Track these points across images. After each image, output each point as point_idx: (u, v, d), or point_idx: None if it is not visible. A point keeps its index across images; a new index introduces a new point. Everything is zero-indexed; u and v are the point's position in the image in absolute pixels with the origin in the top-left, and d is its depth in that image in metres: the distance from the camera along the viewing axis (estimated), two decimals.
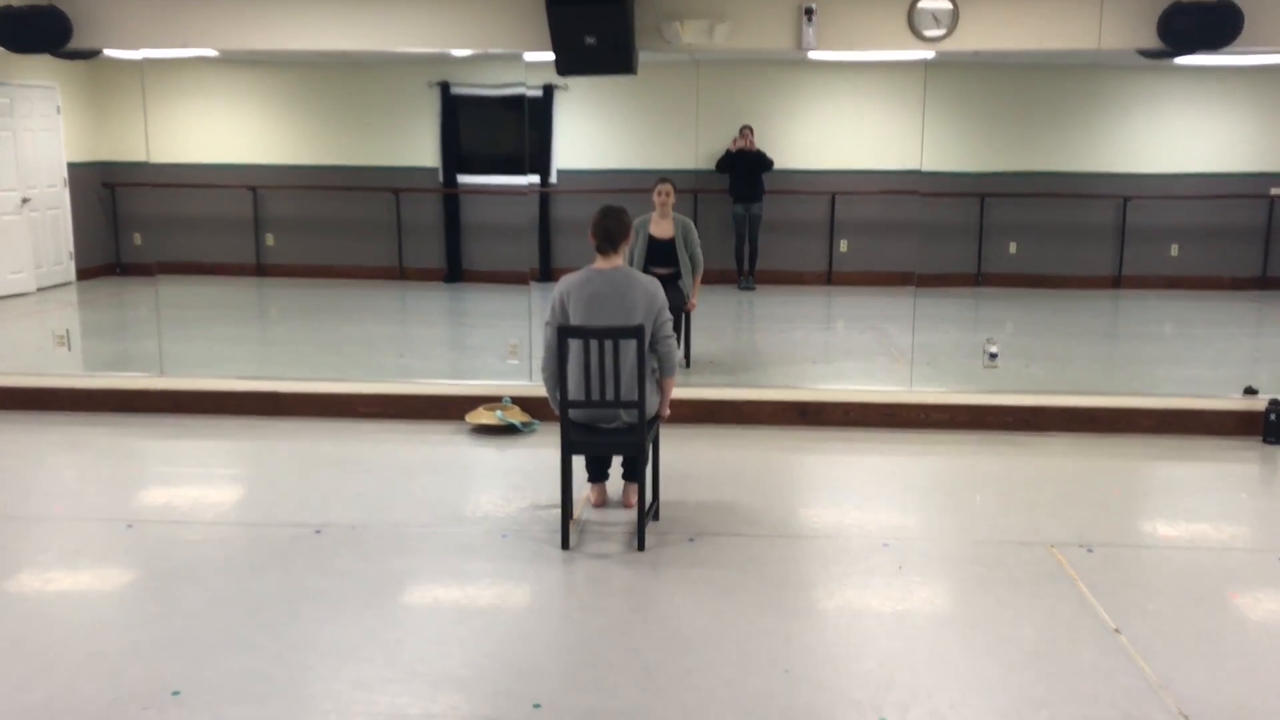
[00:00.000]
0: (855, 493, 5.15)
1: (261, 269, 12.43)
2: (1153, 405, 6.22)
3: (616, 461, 5.00)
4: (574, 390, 4.37)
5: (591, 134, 12.15)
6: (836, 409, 6.32)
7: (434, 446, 5.87)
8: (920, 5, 6.05)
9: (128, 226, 12.49)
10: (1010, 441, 6.02)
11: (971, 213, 11.69)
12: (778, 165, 10.85)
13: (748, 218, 10.85)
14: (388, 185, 12.16)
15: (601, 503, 4.88)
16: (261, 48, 6.28)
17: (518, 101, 12.13)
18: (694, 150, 11.51)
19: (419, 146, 12.28)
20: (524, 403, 6.26)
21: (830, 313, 11.01)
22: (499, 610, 3.84)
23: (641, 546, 4.36)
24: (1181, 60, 9.80)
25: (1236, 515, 4.92)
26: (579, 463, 4.87)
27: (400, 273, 12.27)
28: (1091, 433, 6.17)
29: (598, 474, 4.88)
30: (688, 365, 7.67)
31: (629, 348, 4.27)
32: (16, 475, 5.36)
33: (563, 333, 4.28)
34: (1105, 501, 5.04)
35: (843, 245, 11.74)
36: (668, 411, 4.67)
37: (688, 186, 11.40)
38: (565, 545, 4.37)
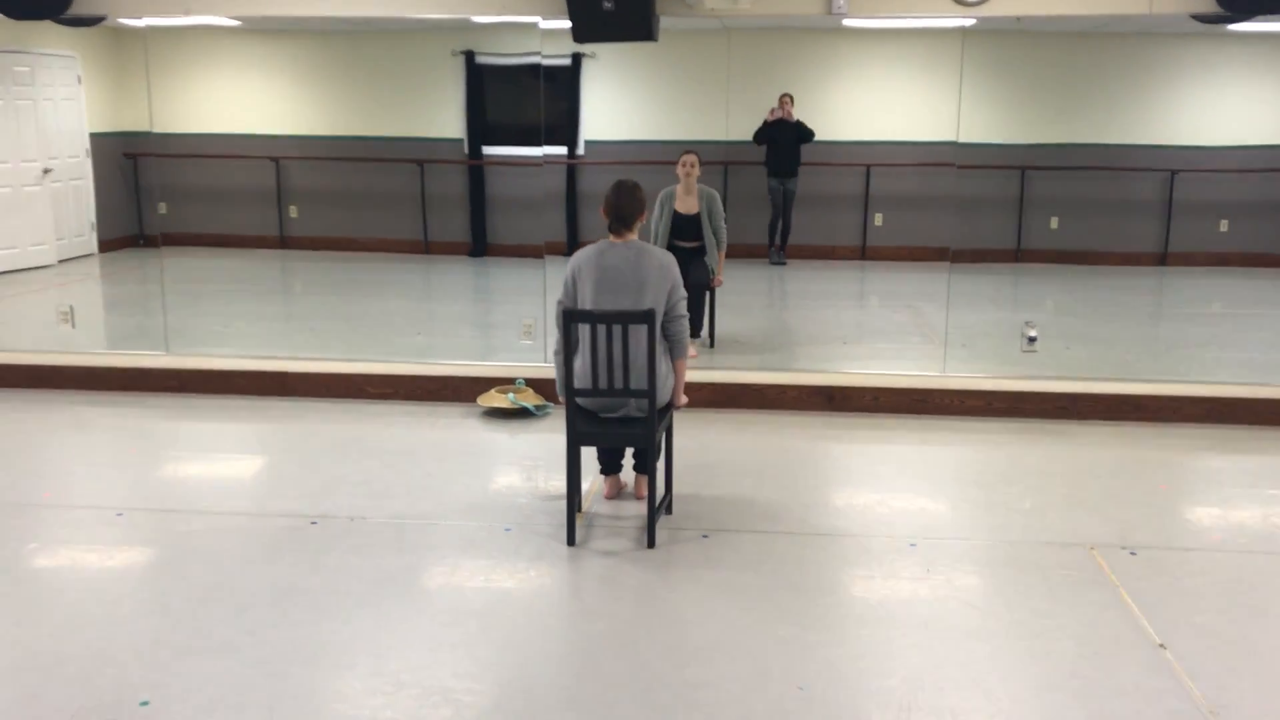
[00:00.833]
0: (882, 485, 4.86)
1: (284, 241, 12.26)
2: (1201, 393, 5.88)
3: (630, 451, 4.75)
4: (581, 378, 4.11)
5: (620, 104, 11.85)
6: (865, 394, 6.02)
7: (443, 430, 5.64)
8: None
9: (150, 198, 12.36)
10: (1049, 430, 5.70)
11: (1011, 186, 11.30)
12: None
13: (783, 192, 10.35)
14: (412, 157, 11.92)
15: (614, 495, 4.63)
16: (264, 14, 6.04)
17: (548, 72, 11.86)
18: (725, 121, 11.18)
19: (444, 117, 12.03)
20: (538, 385, 6.02)
21: (863, 289, 10.67)
22: (495, 614, 3.60)
23: (652, 544, 4.11)
24: (1234, 26, 9.38)
25: None
26: (589, 453, 4.63)
27: (425, 246, 12.06)
28: (1135, 421, 5.83)
29: (610, 465, 4.63)
30: (711, 345, 7.41)
31: (639, 334, 4.01)
32: (9, 458, 5.19)
33: (569, 317, 4.02)
34: (1150, 498, 4.73)
35: (878, 219, 11.40)
36: (684, 399, 4.40)
37: (718, 158, 11.08)
38: (571, 541, 4.13)
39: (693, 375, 6.10)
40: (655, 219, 7.16)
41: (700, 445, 5.33)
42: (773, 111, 10.00)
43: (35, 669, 3.23)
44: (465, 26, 11.40)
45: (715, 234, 7.16)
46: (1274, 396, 5.81)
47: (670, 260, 4.22)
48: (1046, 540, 4.22)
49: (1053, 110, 11.22)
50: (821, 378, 6.14)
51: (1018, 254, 11.36)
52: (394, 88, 12.00)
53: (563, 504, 4.41)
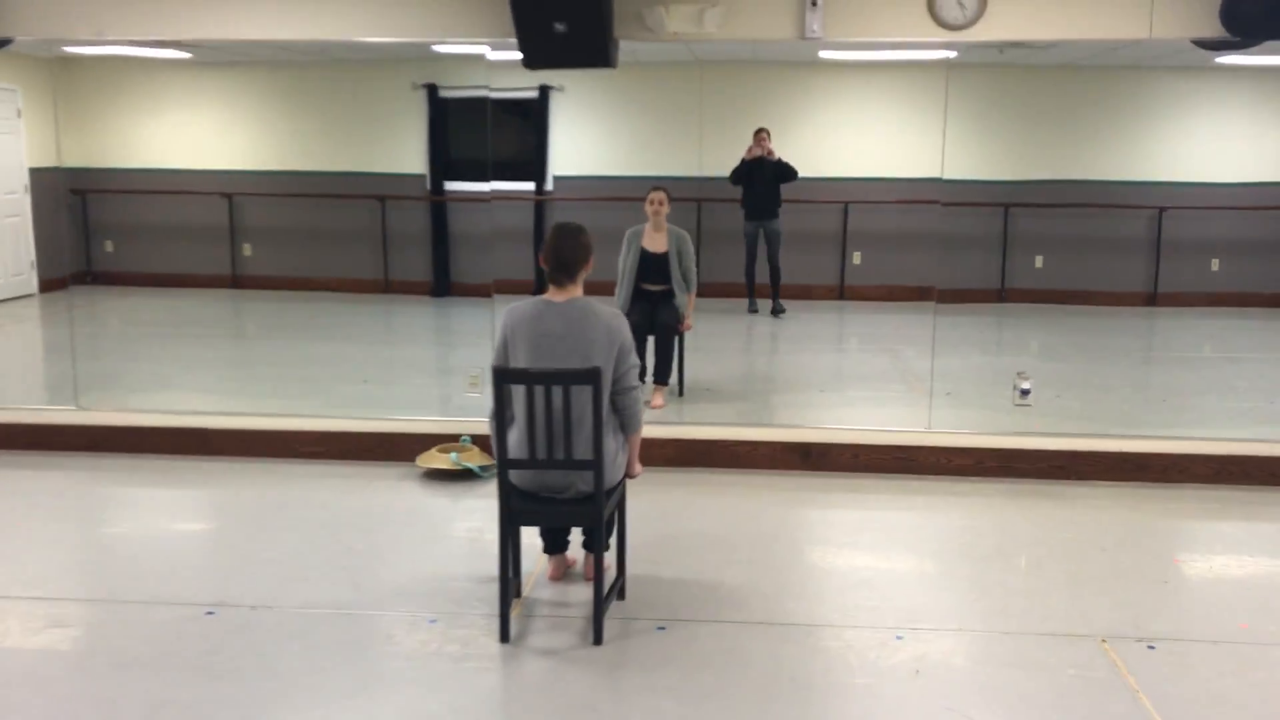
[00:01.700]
0: (863, 561, 4.32)
1: (237, 281, 11.70)
2: (1210, 450, 5.37)
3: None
4: (515, 448, 3.57)
5: (590, 139, 11.39)
6: (844, 451, 5.50)
7: (375, 495, 5.07)
8: None
9: (98, 234, 11.80)
10: (1045, 493, 5.18)
11: (995, 224, 10.87)
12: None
13: (764, 236, 9.43)
14: (372, 193, 11.41)
15: (559, 576, 4.07)
16: (180, 37, 5.51)
17: (512, 105, 11.42)
18: (698, 156, 10.74)
19: (405, 152, 11.53)
20: (485, 443, 5.46)
21: (842, 331, 10.19)
22: None
23: (599, 639, 3.55)
24: (1225, 59, 9.01)
25: None
26: (531, 529, 4.07)
27: (385, 285, 11.53)
28: (1139, 482, 5.33)
29: (554, 544, 4.06)
30: (680, 394, 6.88)
31: (583, 396, 3.47)
32: None
33: (500, 376, 3.47)
34: (1164, 575, 4.20)
35: (856, 258, 10.95)
36: (639, 469, 3.86)
37: (690, 195, 10.63)
38: (504, 638, 3.56)
39: (657, 431, 5.58)
40: (622, 257, 6.67)
41: (661, 512, 4.78)
42: (750, 150, 9.14)
43: None
44: (427, 57, 10.97)
45: (685, 276, 6.65)
46: None
47: (620, 323, 3.64)
48: (1051, 630, 3.68)
49: (1038, 146, 10.84)
50: (797, 433, 5.61)
51: (1002, 294, 10.92)
52: (353, 121, 11.52)
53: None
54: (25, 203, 10.95)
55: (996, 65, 10.36)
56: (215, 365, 7.95)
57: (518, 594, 3.90)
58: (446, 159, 11.49)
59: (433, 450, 5.43)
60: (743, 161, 9.14)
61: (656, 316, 6.64)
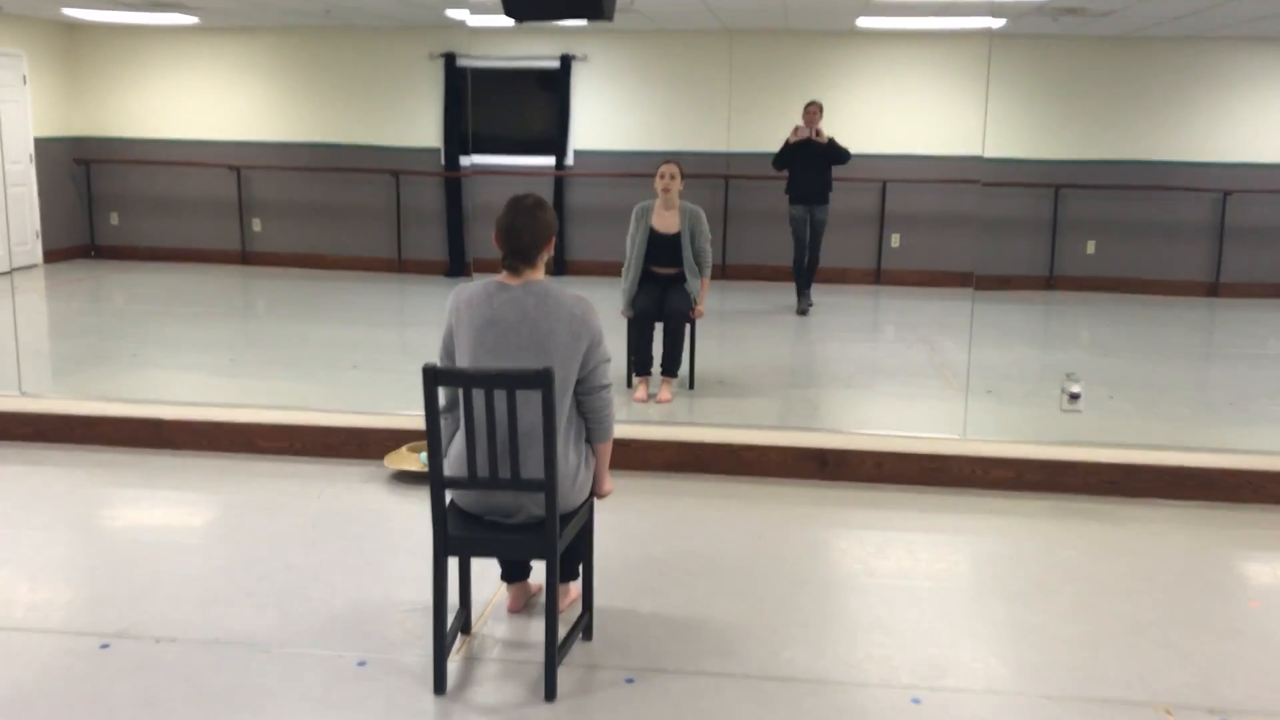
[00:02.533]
0: (878, 596, 3.69)
1: (246, 257, 11.26)
2: None
3: None
4: (454, 464, 2.98)
5: (613, 111, 10.78)
6: (865, 459, 4.86)
7: (332, 500, 4.51)
8: None
9: (103, 206, 11.38)
10: (1095, 513, 4.52)
11: (1043, 206, 10.15)
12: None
13: (810, 222, 8.36)
14: (386, 167, 10.88)
15: (519, 608, 3.48)
16: None
17: (532, 76, 10.84)
18: (726, 130, 10.11)
19: (421, 125, 10.98)
20: None
21: (875, 319, 9.51)
22: None
23: (551, 694, 2.95)
24: None
25: None
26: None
27: (399, 265, 11.01)
28: (1204, 501, 4.64)
29: (513, 571, 3.47)
30: (691, 386, 6.27)
31: (530, 404, 2.87)
32: None
33: (431, 377, 2.87)
34: (1239, 622, 3.54)
35: (894, 240, 10.28)
36: (609, 487, 3.26)
37: (718, 171, 10.02)
38: (439, 689, 2.97)
39: (653, 432, 4.99)
40: (630, 236, 6.07)
41: (649, 528, 4.19)
42: (797, 129, 8.07)
43: None
44: (444, 26, 10.41)
45: (698, 258, 6.04)
46: None
47: (587, 309, 3.04)
48: (1103, 695, 3.04)
49: (1091, 123, 10.08)
50: (813, 438, 4.97)
51: (1050, 280, 10.21)
52: (367, 92, 10.98)
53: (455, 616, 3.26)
54: (30, 172, 10.54)
55: (1047, 37, 9.63)
56: (198, 346, 7.45)
57: (466, 629, 3.32)
58: (463, 132, 10.94)
59: (403, 449, 4.86)
60: (787, 144, 8.13)
61: (666, 302, 6.03)
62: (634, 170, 9.41)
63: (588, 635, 3.29)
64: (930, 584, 3.79)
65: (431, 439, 2.86)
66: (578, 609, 3.37)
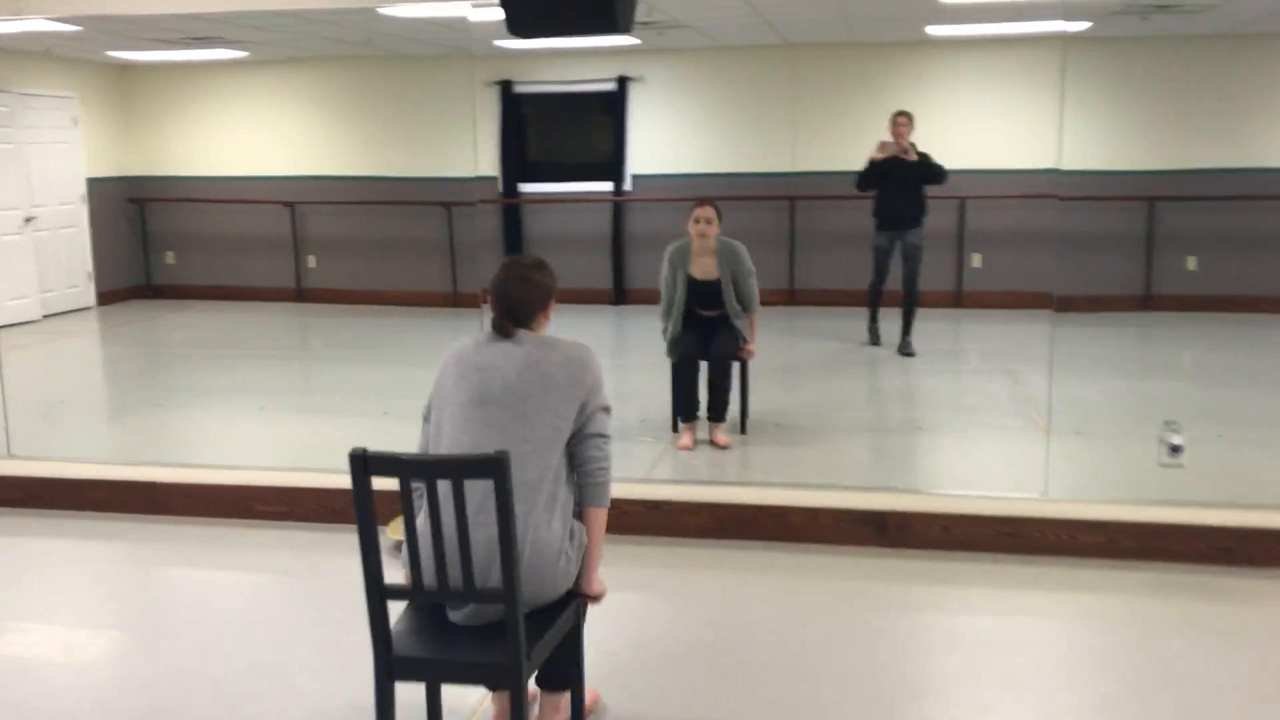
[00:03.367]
0: (940, 710, 3.05)
1: (302, 294, 10.98)
2: None
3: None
4: (421, 560, 2.46)
5: (671, 133, 10.31)
6: (931, 524, 4.22)
7: (323, 578, 4.03)
8: None
9: (158, 245, 11.25)
10: (1205, 587, 3.82)
11: (1136, 220, 9.36)
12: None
13: (903, 249, 7.42)
14: (441, 199, 10.53)
15: None
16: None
17: (588, 99, 10.42)
18: (791, 150, 9.56)
19: (474, 154, 10.61)
20: None
21: (955, 348, 8.80)
22: None
23: None
24: None
25: None
26: None
27: (454, 298, 10.63)
28: None
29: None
30: (743, 430, 5.69)
31: (479, 494, 2.34)
32: None
33: (358, 464, 2.36)
34: None
35: (975, 260, 9.59)
36: (599, 587, 2.71)
37: (783, 193, 9.45)
38: None
39: (686, 492, 4.42)
40: (664, 281, 5.54)
41: (674, 613, 3.62)
42: (882, 145, 7.17)
43: None
44: (498, 55, 10.09)
45: (743, 299, 5.47)
46: None
47: (587, 355, 2.63)
48: None
49: (1188, 130, 9.29)
50: (870, 499, 4.35)
51: (1147, 300, 9.40)
52: (420, 123, 10.66)
53: None
54: (82, 213, 10.45)
55: (1134, 39, 8.89)
56: (229, 391, 7.12)
57: None
58: (521, 160, 10.59)
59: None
60: (872, 163, 7.20)
61: (711, 345, 5.48)
62: (695, 195, 8.94)
63: None
64: (1002, 693, 3.14)
65: (364, 538, 2.34)
66: None
